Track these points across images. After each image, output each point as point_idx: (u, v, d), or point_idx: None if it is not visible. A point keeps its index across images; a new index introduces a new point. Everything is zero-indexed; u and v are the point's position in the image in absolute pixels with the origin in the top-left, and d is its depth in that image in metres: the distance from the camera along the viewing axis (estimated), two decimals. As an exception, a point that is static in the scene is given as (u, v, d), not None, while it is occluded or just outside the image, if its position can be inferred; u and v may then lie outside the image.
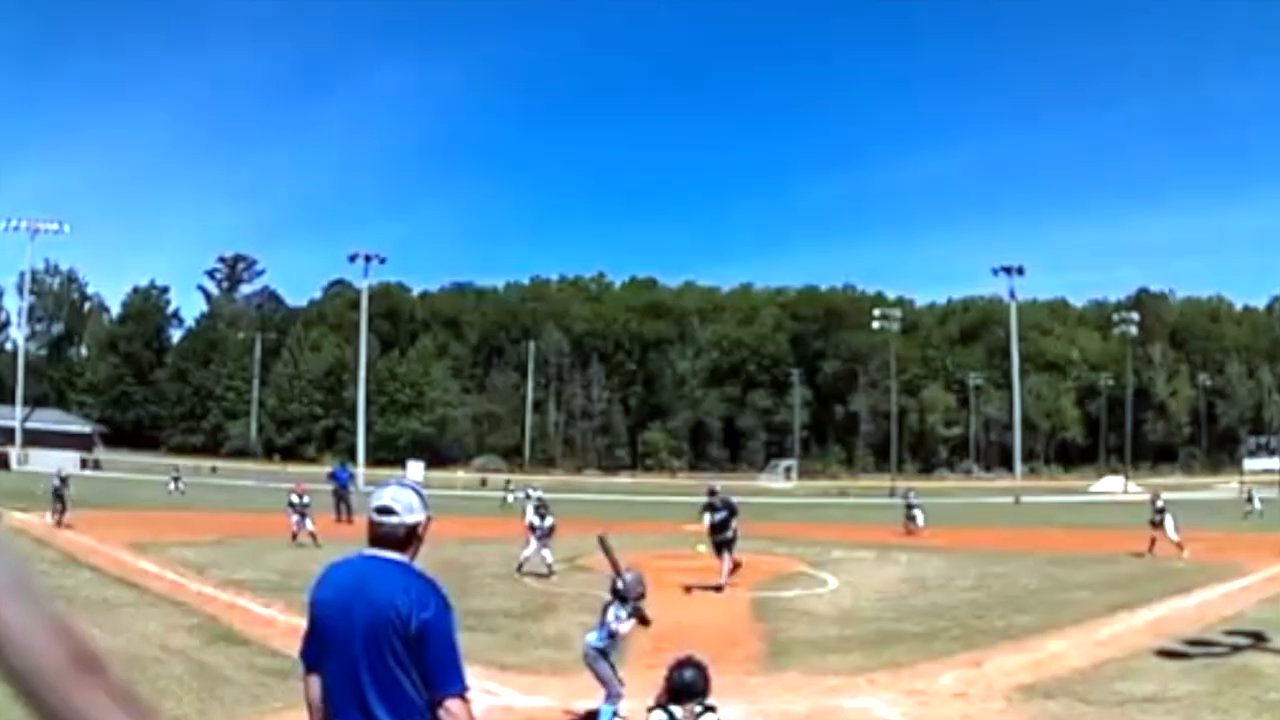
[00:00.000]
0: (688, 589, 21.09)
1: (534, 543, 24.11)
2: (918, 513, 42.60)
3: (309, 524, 30.28)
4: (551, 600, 19.56)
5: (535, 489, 38.95)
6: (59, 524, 32.41)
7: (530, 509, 36.71)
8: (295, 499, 31.19)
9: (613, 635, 10.39)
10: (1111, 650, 14.45)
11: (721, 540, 22.32)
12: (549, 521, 24.44)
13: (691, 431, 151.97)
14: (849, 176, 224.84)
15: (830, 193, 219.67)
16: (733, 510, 22.78)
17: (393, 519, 4.58)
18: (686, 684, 7.26)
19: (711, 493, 23.96)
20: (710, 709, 7.22)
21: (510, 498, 56.57)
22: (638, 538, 34.17)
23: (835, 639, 15.87)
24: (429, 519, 4.74)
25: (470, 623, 14.28)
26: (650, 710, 7.30)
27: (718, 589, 21.12)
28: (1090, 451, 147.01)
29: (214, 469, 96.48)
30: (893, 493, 72.60)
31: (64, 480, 34.89)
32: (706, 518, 22.85)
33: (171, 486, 60.00)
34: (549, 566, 23.55)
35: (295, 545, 28.84)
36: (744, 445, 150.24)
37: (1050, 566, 26.42)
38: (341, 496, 41.51)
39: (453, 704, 4.32)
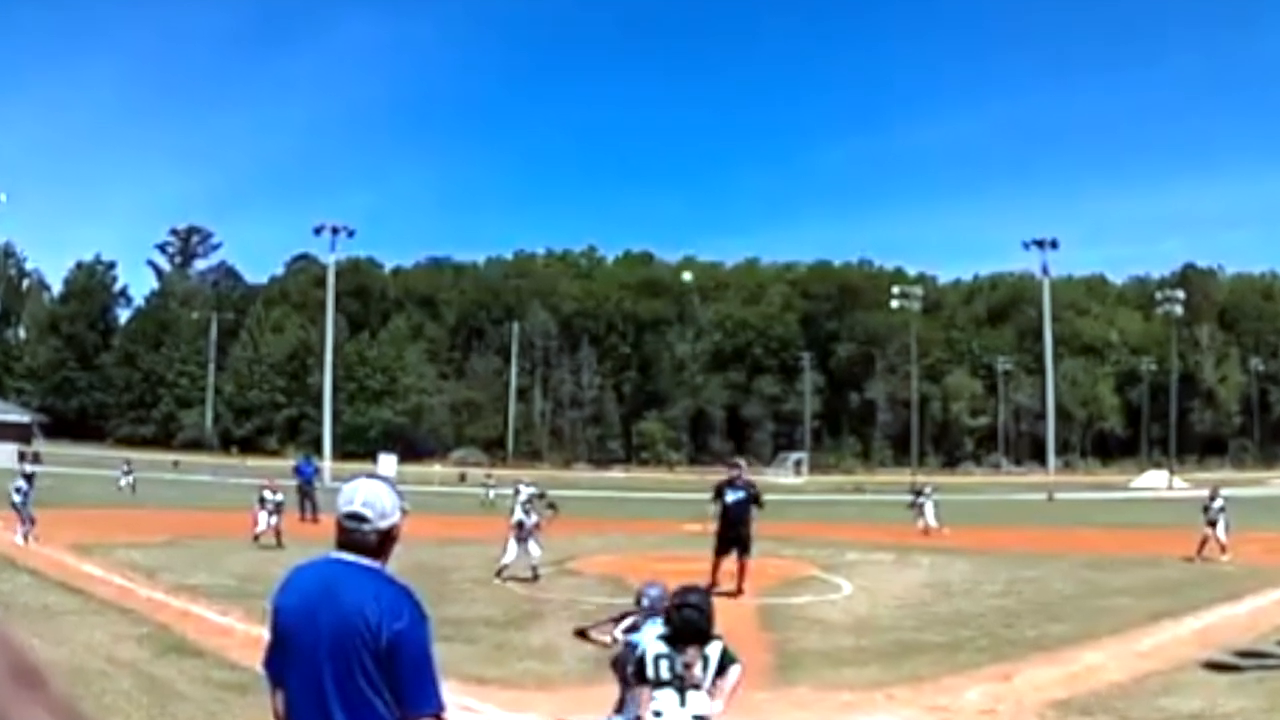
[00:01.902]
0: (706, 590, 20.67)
1: (514, 545, 23.97)
2: (928, 507, 42.32)
3: (275, 521, 30.19)
4: (537, 607, 19.56)
5: (526, 484, 38.90)
6: (28, 538, 28.20)
7: (519, 507, 36.75)
8: (268, 494, 31.09)
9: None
10: (1154, 662, 14.46)
11: (736, 536, 21.13)
12: (533, 518, 24.38)
13: (691, 422, 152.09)
14: (865, 140, 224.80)
15: (845, 158, 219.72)
16: (756, 497, 21.78)
17: (364, 526, 4.54)
18: (689, 622, 7.26)
19: (734, 464, 23.67)
20: (714, 637, 7.26)
21: (491, 494, 56.58)
22: (633, 538, 34.24)
23: (850, 650, 15.88)
24: (404, 516, 4.71)
25: (447, 632, 14.27)
26: (625, 630, 7.23)
27: (736, 593, 20.45)
28: (1131, 443, 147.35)
29: (176, 463, 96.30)
30: (913, 489, 72.54)
31: (30, 479, 30.37)
32: (728, 495, 21.52)
33: (123, 481, 59.58)
34: (534, 569, 23.48)
35: (258, 546, 28.82)
36: (749, 437, 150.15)
37: (1087, 570, 26.45)
38: (306, 493, 41.47)
39: None
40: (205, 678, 12.73)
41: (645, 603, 10.53)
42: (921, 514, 42.33)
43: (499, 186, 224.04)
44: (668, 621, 7.40)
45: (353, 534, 4.53)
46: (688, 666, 7.12)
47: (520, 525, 24.45)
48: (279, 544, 28.57)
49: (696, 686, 7.10)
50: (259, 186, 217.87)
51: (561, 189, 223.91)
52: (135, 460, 68.36)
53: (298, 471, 45.10)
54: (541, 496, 27.46)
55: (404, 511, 4.70)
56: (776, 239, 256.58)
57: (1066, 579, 24.69)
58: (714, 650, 7.21)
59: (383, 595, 4.36)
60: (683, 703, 7.05)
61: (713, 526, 21.90)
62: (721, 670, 7.18)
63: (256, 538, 29.94)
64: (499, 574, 23.30)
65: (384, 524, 4.56)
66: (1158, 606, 19.72)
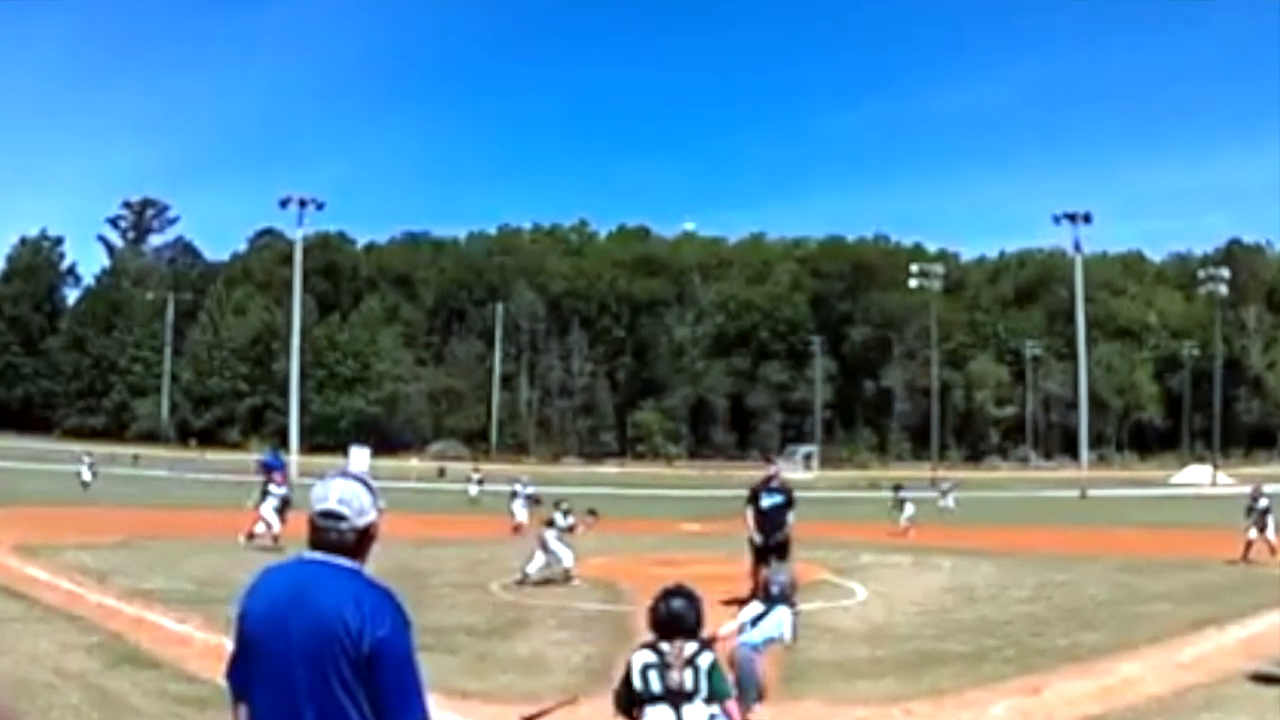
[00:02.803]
0: (727, 603, 19.99)
1: (540, 554, 24.00)
2: (909, 506, 43.20)
3: (277, 523, 29.97)
4: (523, 615, 19.53)
5: (525, 481, 39.07)
6: None
7: (520, 506, 36.83)
8: (274, 489, 30.91)
9: (773, 641, 11.22)
10: (1196, 675, 14.44)
11: (777, 542, 20.39)
12: (569, 519, 24.42)
13: (691, 412, 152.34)
14: (881, 105, 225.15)
15: (859, 124, 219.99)
16: (791, 500, 21.07)
17: (341, 524, 4.51)
18: (675, 615, 7.21)
19: (770, 462, 23.72)
20: (705, 646, 7.19)
21: (476, 490, 56.60)
22: (628, 539, 34.14)
23: (864, 661, 15.87)
24: (381, 515, 4.69)
25: (426, 641, 14.20)
26: (636, 651, 7.24)
27: None
28: (1171, 436, 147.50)
29: (136, 458, 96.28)
30: (934, 485, 72.61)
31: None
32: (764, 499, 20.73)
33: (87, 476, 58.96)
34: (566, 573, 23.55)
35: (252, 546, 28.56)
36: (754, 428, 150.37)
37: (1123, 574, 26.46)
38: (267, 490, 41.23)
39: None
40: (161, 691, 12.70)
41: (775, 590, 10.88)
42: (903, 510, 43.15)
43: (481, 155, 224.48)
44: (652, 615, 7.34)
45: (328, 533, 4.49)
46: (673, 662, 7.05)
47: (551, 524, 24.42)
48: (276, 544, 28.41)
49: (690, 697, 7.00)
50: (220, 155, 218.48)
51: (549, 158, 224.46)
52: (95, 453, 68.09)
53: (264, 466, 44.90)
54: (549, 502, 27.59)
55: (380, 510, 4.68)
56: (784, 212, 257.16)
57: (1101, 583, 24.69)
58: (705, 661, 7.10)
59: (363, 598, 4.32)
60: (678, 718, 6.98)
61: (755, 534, 20.60)
62: (712, 694, 7.06)
63: (251, 535, 29.74)
64: (521, 582, 23.26)
65: (362, 521, 4.53)
66: (1200, 613, 19.71)
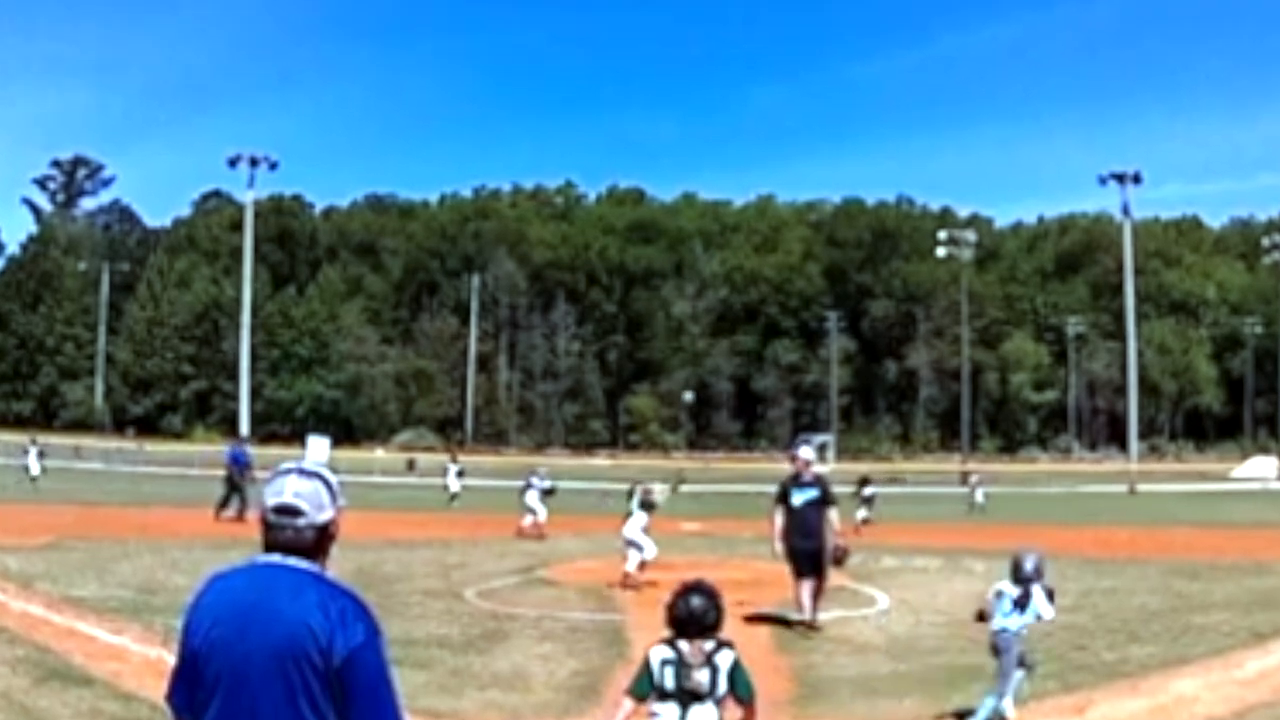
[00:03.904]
0: (749, 619, 19.16)
1: (633, 550, 24.19)
2: (863, 509, 43.60)
3: None
4: (502, 625, 19.53)
5: (542, 475, 38.86)
6: None
7: (535, 500, 36.69)
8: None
9: (1038, 619, 12.33)
10: (1259, 692, 14.47)
11: (811, 550, 19.07)
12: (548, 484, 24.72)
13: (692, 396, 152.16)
14: (904, 52, 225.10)
15: (879, 74, 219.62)
16: (828, 496, 19.56)
17: (298, 521, 4.48)
18: (694, 613, 7.40)
19: (795, 454, 21.65)
20: (725, 644, 7.38)
21: (456, 484, 56.58)
22: (620, 539, 34.23)
23: (886, 677, 15.89)
24: (341, 512, 4.66)
25: (395, 654, 14.12)
26: (654, 645, 7.47)
27: (808, 626, 18.99)
28: (1231, 424, 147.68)
29: (77, 449, 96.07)
30: (964, 479, 72.74)
31: None
32: (795, 496, 19.27)
33: (36, 469, 58.22)
34: (643, 564, 23.94)
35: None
36: (762, 415, 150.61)
37: (1177, 579, 26.48)
38: (237, 486, 41.19)
39: None
40: (94, 710, 12.68)
41: (1028, 568, 11.40)
42: (866, 509, 43.70)
43: (455, 107, 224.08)
44: (670, 612, 7.52)
45: (284, 531, 4.46)
46: (692, 661, 7.28)
47: (649, 508, 24.66)
48: None
49: (701, 698, 7.21)
50: (160, 107, 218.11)
51: (532, 110, 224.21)
52: (11, 444, 67.87)
53: (232, 460, 44.77)
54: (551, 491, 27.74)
55: (339, 506, 4.66)
56: (796, 173, 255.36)
57: (1152, 590, 24.71)
58: (725, 661, 7.31)
59: (331, 605, 4.28)
60: (684, 718, 7.21)
61: (777, 542, 19.28)
62: (738, 697, 7.30)
63: None
64: (624, 584, 23.43)
65: (321, 518, 4.50)
66: (1264, 624, 19.72)
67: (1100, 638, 18.77)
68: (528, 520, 35.71)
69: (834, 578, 22.62)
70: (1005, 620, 12.14)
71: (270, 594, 4.32)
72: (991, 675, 15.78)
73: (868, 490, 45.54)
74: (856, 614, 21.39)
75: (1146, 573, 27.67)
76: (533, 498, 36.62)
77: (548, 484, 38.10)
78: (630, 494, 25.69)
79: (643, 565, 23.88)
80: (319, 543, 4.51)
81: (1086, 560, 30.75)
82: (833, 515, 19.36)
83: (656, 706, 7.28)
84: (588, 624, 19.27)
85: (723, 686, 7.25)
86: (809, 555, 18.96)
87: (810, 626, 18.64)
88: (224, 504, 39.75)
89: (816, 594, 19.02)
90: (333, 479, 4.67)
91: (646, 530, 24.22)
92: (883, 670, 16.31)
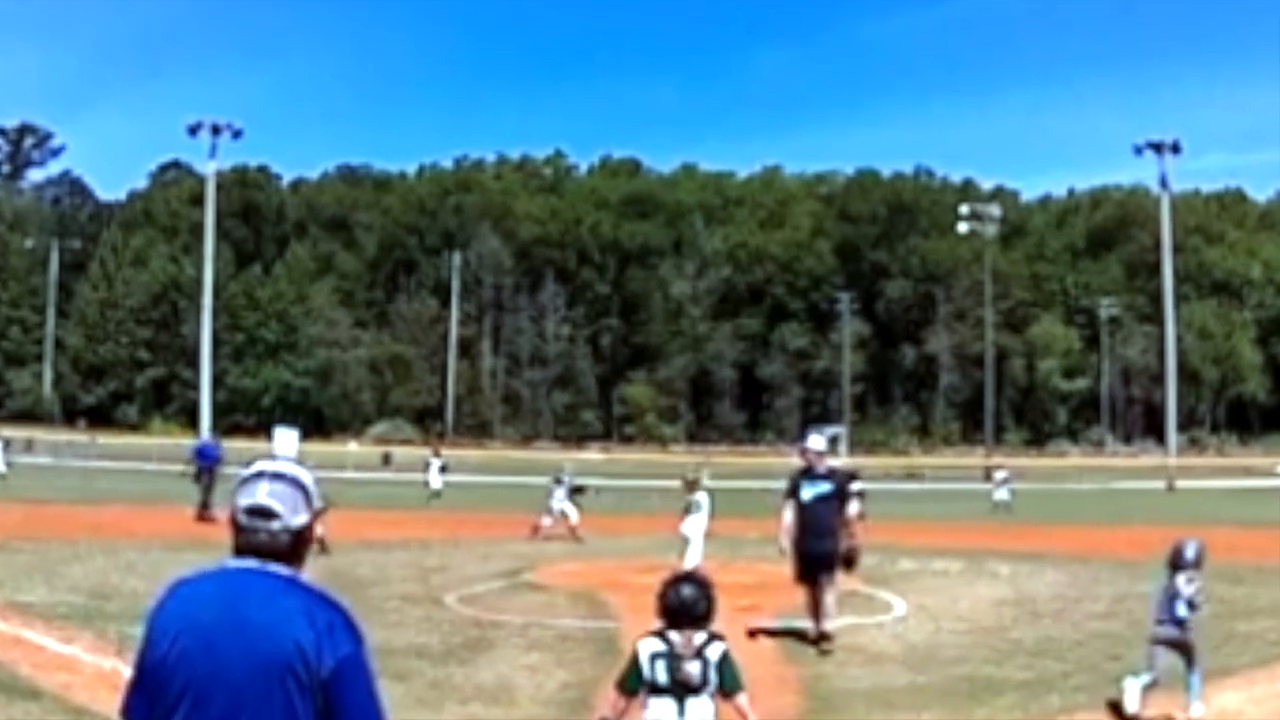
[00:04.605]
0: (753, 633, 18.79)
1: (694, 547, 24.42)
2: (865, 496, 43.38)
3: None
4: (486, 633, 19.53)
5: (569, 474, 38.77)
6: None
7: (562, 499, 36.60)
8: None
9: (1192, 606, 13.25)
10: (1309, 705, 14.49)
11: (822, 551, 18.29)
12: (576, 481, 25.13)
13: (692, 385, 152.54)
14: (922, 10, 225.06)
15: (894, 34, 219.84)
16: (845, 491, 18.92)
17: (272, 524, 4.46)
18: (685, 604, 7.70)
19: (810, 428, 21.86)
20: (716, 637, 7.68)
21: (438, 480, 56.60)
22: (614, 540, 34.22)
23: (903, 689, 15.89)
24: (320, 513, 4.64)
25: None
26: (644, 638, 7.78)
27: (820, 639, 18.37)
28: (1278, 414, 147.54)
29: (29, 443, 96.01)
30: (987, 475, 72.79)
31: None
32: (805, 490, 18.44)
33: (2, 466, 58.38)
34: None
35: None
36: (768, 405, 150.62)
37: (1218, 583, 26.36)
38: (208, 484, 41.10)
39: None
40: (42, 727, 12.70)
41: (1189, 554, 11.96)
42: None
43: (434, 72, 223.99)
44: (661, 602, 7.80)
45: (257, 534, 4.44)
46: (682, 652, 7.56)
47: (689, 510, 24.96)
48: (324, 549, 28.25)
49: (696, 691, 7.49)
50: (114, 70, 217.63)
51: (518, 75, 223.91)
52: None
53: (199, 455, 44.75)
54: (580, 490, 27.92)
55: (321, 508, 4.64)
56: (805, 142, 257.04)
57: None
58: (715, 653, 7.61)
59: (316, 613, 4.29)
60: (681, 712, 7.47)
61: (782, 537, 18.61)
62: (724, 691, 7.60)
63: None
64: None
65: (297, 521, 4.49)
66: (1313, 631, 19.78)
67: (1136, 647, 18.67)
68: (546, 521, 35.40)
69: (846, 581, 22.48)
70: (1182, 611, 13.14)
71: (246, 602, 4.30)
72: (1016, 686, 15.83)
73: (854, 486, 45.22)
74: (871, 621, 21.41)
75: (1186, 576, 27.63)
76: (559, 497, 36.30)
77: (576, 481, 37.81)
78: (691, 486, 25.82)
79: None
80: (294, 547, 4.50)
81: (1121, 563, 30.80)
82: (852, 511, 18.79)
83: (652, 702, 7.55)
84: (578, 632, 19.28)
85: (714, 679, 7.53)
86: (816, 557, 18.17)
87: (823, 638, 18.02)
88: (206, 503, 39.63)
89: (822, 602, 18.20)
90: (309, 479, 4.65)
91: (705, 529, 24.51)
92: (899, 682, 16.30)
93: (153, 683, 4.34)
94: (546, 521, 35.41)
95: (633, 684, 7.59)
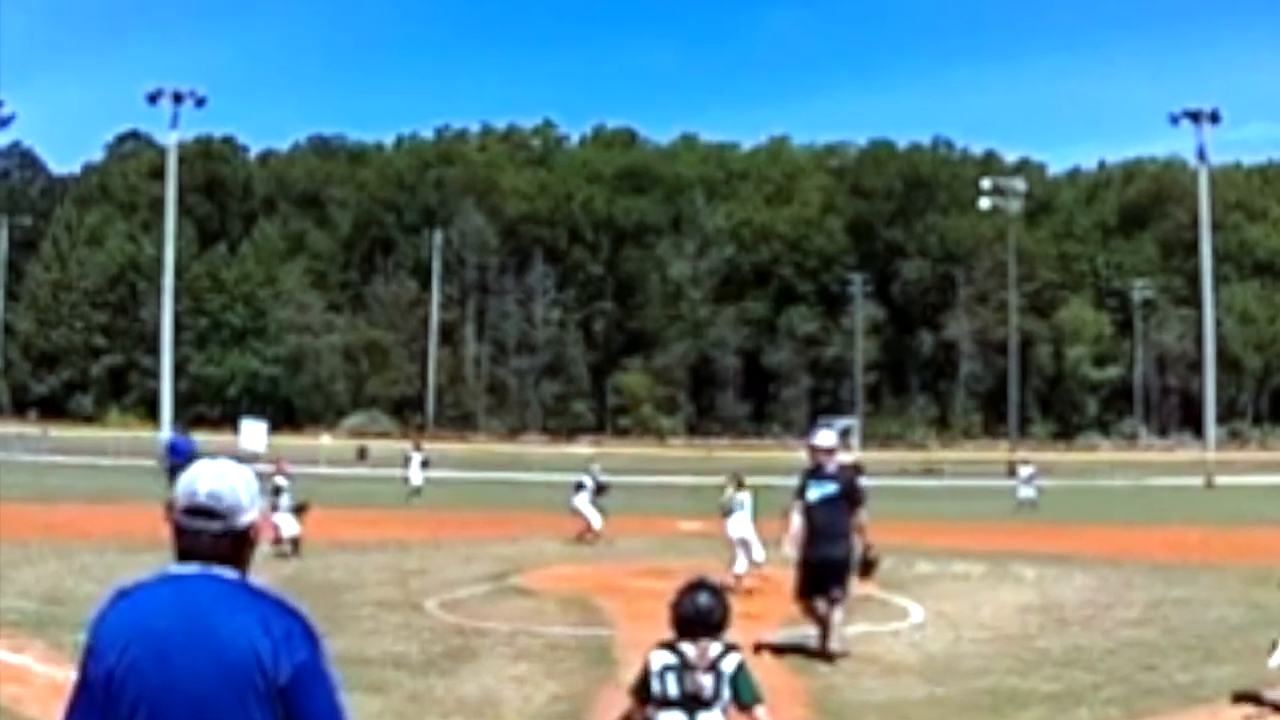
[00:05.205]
0: (758, 648, 17.75)
1: (742, 555, 24.87)
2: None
3: (294, 523, 29.33)
4: (468, 641, 19.54)
5: (596, 469, 38.64)
6: None
7: (585, 501, 36.53)
8: (282, 481, 30.33)
9: None
10: (1358, 720, 14.50)
11: (829, 559, 17.89)
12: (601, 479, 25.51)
13: (692, 373, 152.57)
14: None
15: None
16: (854, 493, 18.24)
17: (214, 524, 4.45)
18: (701, 612, 7.75)
19: (820, 421, 22.00)
20: (731, 648, 7.73)
21: (419, 477, 56.60)
22: (607, 541, 34.21)
23: (921, 703, 15.90)
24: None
25: (343, 676, 14.14)
26: (654, 650, 7.79)
27: (827, 657, 18.09)
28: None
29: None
30: (1012, 470, 72.83)
31: None
32: (812, 491, 18.06)
33: None
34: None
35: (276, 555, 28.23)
36: (774, 396, 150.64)
37: (1260, 588, 26.43)
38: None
39: None
40: (-11, 743, 12.72)
41: None
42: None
43: (413, 36, 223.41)
44: (674, 611, 7.82)
45: (199, 537, 4.44)
46: (696, 663, 7.60)
47: (730, 510, 25.20)
48: (295, 551, 28.23)
49: (707, 704, 7.55)
50: (68, 33, 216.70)
51: (503, 39, 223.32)
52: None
53: (171, 451, 44.86)
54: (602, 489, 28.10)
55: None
56: (815, 111, 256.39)
57: (1232, 601, 24.76)
58: (730, 664, 7.65)
59: (272, 620, 4.30)
60: None
61: (786, 544, 18.30)
62: (740, 703, 7.64)
63: (279, 541, 28.97)
64: (738, 583, 23.95)
65: (241, 521, 4.49)
66: (1362, 640, 19.77)
67: (1172, 656, 18.81)
68: (596, 522, 35.39)
69: (861, 586, 22.26)
70: None
71: (198, 610, 4.30)
72: (1042, 699, 15.86)
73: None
74: (886, 629, 21.44)
75: (1225, 580, 27.73)
76: (581, 501, 35.87)
77: (601, 478, 37.37)
78: (739, 485, 25.90)
79: (752, 567, 24.33)
80: (237, 549, 4.50)
81: (1155, 566, 30.89)
82: (861, 515, 17.98)
83: (661, 716, 7.59)
84: (570, 640, 19.28)
85: (727, 693, 7.58)
86: (824, 566, 17.79)
87: (831, 655, 17.69)
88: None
89: (825, 624, 17.89)
90: (252, 477, 4.66)
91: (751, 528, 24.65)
92: (916, 694, 16.32)
93: (102, 697, 4.33)
94: (596, 521, 35.26)
95: (648, 691, 7.66)
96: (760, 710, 7.68)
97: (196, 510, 4.45)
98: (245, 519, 4.51)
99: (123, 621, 4.38)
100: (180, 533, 4.48)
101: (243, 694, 4.17)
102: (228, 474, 4.57)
